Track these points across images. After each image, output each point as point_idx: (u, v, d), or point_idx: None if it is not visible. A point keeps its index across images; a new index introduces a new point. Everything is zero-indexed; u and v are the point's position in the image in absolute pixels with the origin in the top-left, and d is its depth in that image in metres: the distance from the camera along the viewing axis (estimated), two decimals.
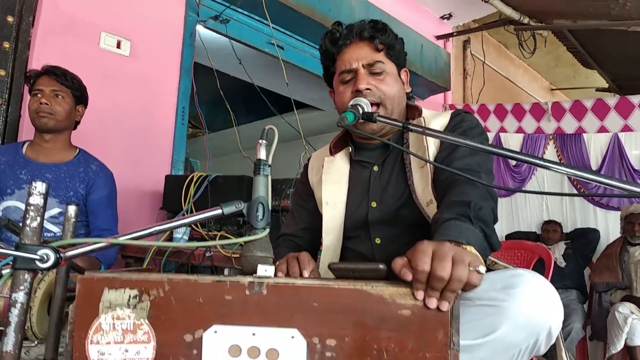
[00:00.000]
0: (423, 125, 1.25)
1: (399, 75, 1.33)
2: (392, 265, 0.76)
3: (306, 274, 0.99)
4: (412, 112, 1.33)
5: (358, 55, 1.26)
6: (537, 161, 0.90)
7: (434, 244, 0.76)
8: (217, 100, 3.22)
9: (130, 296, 0.76)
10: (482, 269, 0.73)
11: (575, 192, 4.22)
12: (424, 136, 1.22)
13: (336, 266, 0.80)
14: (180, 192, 2.46)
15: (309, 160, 1.51)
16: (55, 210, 1.91)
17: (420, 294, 0.72)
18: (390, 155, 1.30)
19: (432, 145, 1.23)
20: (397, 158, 1.29)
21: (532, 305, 0.84)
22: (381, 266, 0.76)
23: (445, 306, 0.72)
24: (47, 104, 1.89)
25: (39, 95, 1.90)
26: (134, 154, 2.69)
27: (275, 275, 0.80)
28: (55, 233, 1.92)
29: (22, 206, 1.89)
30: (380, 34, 1.28)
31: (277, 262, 1.05)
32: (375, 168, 1.31)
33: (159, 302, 0.76)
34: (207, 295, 0.75)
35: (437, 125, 1.26)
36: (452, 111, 1.30)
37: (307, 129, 4.47)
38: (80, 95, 2.01)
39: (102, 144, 2.50)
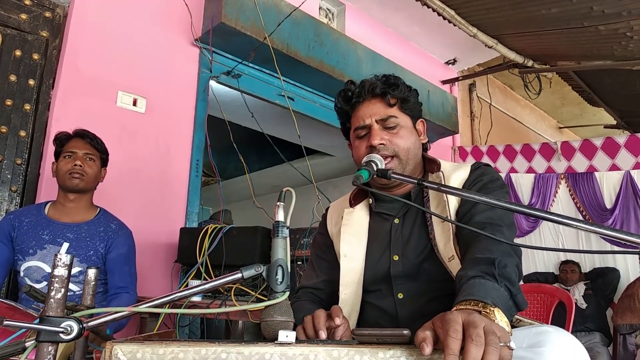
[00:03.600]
0: (442, 178, 1.25)
1: (415, 126, 1.33)
2: (415, 337, 0.75)
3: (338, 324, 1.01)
4: (431, 165, 1.32)
5: (371, 111, 1.28)
6: (554, 217, 0.89)
7: (465, 314, 0.74)
8: (229, 148, 3.26)
9: None
10: (513, 344, 0.71)
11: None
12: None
13: (360, 332, 0.79)
14: (195, 244, 2.47)
15: (327, 210, 1.49)
16: (75, 269, 1.91)
17: None
18: (411, 208, 1.28)
19: (452, 199, 1.21)
20: (418, 211, 1.27)
21: None
22: (405, 332, 0.76)
23: None
24: (80, 166, 1.95)
25: (72, 157, 1.97)
26: (149, 207, 2.72)
27: (297, 338, 0.79)
28: (74, 292, 1.93)
29: (44, 266, 1.91)
30: (392, 89, 1.29)
31: (304, 319, 1.04)
32: (396, 221, 1.29)
33: None
34: None
35: (457, 179, 1.25)
36: (472, 164, 1.29)
37: (317, 174, 4.52)
38: (105, 159, 2.09)
39: (118, 199, 2.55)
